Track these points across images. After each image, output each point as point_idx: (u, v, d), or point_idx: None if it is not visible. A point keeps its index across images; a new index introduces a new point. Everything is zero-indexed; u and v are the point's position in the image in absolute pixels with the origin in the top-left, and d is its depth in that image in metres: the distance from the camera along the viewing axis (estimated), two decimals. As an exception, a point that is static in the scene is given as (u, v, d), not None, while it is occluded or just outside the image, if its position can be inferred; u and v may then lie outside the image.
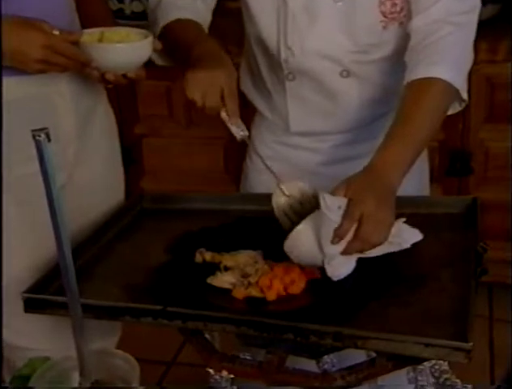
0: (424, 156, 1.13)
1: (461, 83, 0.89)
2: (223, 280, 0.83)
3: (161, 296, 0.81)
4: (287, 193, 0.88)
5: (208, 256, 0.90)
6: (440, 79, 0.86)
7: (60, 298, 0.75)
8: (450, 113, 0.94)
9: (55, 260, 0.82)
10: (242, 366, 0.76)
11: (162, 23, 0.98)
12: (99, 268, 0.90)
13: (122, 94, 1.78)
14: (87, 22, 0.98)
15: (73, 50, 0.85)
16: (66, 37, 0.85)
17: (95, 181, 1.03)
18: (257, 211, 1.03)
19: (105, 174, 1.06)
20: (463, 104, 0.93)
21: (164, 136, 1.87)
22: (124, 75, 0.89)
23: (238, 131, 0.90)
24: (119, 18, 1.74)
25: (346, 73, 0.98)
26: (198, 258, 0.90)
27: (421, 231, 0.93)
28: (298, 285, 0.82)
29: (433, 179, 1.84)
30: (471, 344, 0.65)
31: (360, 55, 0.97)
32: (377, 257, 0.86)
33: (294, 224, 0.82)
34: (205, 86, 0.85)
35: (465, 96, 0.91)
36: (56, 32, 0.84)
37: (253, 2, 0.99)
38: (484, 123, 1.72)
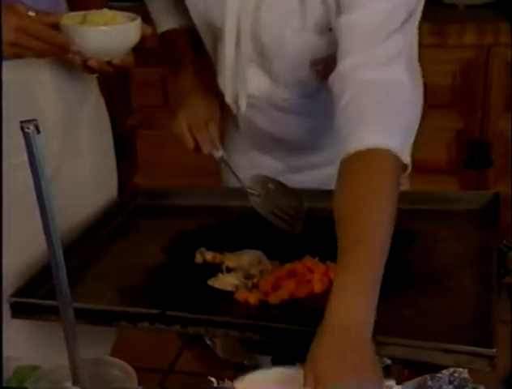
0: None
1: (407, 154, 0.76)
2: (225, 282, 0.83)
3: (159, 299, 0.81)
4: (256, 193, 0.94)
5: (209, 256, 0.90)
6: (378, 150, 0.72)
7: (50, 302, 0.75)
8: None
9: (44, 261, 0.82)
10: (245, 374, 0.76)
11: (158, 29, 1.05)
12: (91, 270, 0.91)
13: (113, 82, 1.78)
14: (76, 7, 0.97)
15: (48, 33, 0.82)
16: (42, 19, 0.82)
17: (84, 177, 1.03)
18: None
19: (96, 170, 1.05)
20: (407, 171, 0.79)
21: (159, 127, 1.87)
22: (109, 62, 0.87)
23: (216, 153, 1.00)
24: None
25: (288, 111, 0.99)
26: (199, 258, 0.90)
27: (438, 229, 0.94)
28: (305, 288, 0.82)
29: (450, 172, 1.86)
30: (494, 350, 0.65)
31: (300, 100, 0.97)
32: (390, 256, 0.87)
33: (284, 220, 0.89)
34: (191, 122, 0.98)
35: (407, 159, 0.76)
36: (31, 14, 0.82)
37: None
38: (505, 112, 1.72)
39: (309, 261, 0.86)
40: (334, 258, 0.85)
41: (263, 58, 0.93)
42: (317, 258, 0.86)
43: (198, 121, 0.99)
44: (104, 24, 0.86)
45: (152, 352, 1.57)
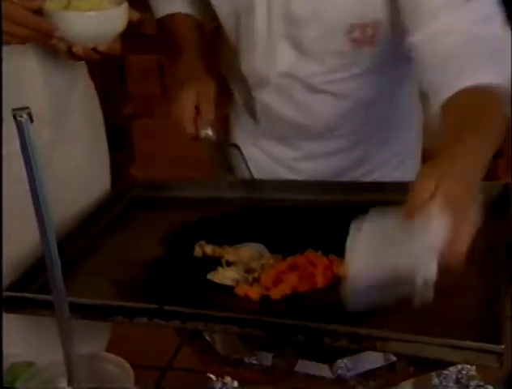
0: (418, 150, 1.15)
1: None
2: (225, 276, 0.84)
3: (157, 293, 0.81)
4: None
5: (209, 249, 0.90)
6: (485, 84, 0.78)
7: (44, 297, 0.75)
8: None
9: (37, 254, 0.82)
10: (247, 371, 0.76)
11: (155, 15, 1.07)
12: (87, 263, 0.91)
13: (108, 70, 1.78)
14: None
15: (32, 19, 0.82)
16: (25, 4, 0.82)
17: (77, 166, 1.03)
18: (261, 199, 1.03)
19: (88, 159, 1.05)
20: None
21: (156, 117, 1.87)
22: (95, 49, 0.86)
23: (203, 131, 0.98)
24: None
25: (315, 90, 1.00)
26: (198, 251, 0.90)
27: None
28: (307, 282, 0.82)
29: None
30: (503, 346, 0.65)
31: (329, 75, 0.98)
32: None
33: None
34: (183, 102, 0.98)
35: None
36: None
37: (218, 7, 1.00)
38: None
39: (311, 254, 0.86)
40: (337, 252, 0.86)
41: (294, 29, 0.93)
42: (319, 252, 0.86)
43: (201, 98, 0.99)
44: (90, 9, 0.85)
45: (150, 348, 1.57)
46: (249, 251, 0.88)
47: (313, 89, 1.00)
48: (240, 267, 0.85)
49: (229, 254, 0.88)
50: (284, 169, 1.11)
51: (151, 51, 1.63)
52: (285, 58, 0.97)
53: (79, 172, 1.04)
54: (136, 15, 0.89)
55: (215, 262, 0.86)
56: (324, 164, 1.08)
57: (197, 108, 0.99)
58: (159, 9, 1.08)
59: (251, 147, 1.12)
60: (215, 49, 1.11)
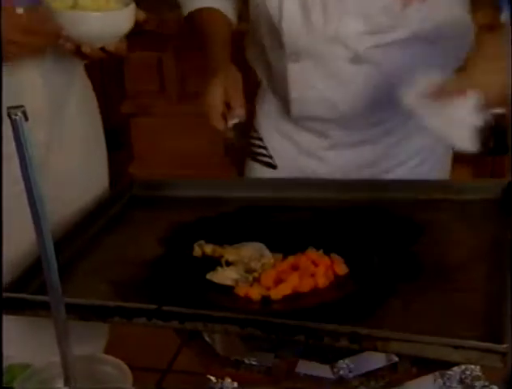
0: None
1: None
2: (224, 276, 0.84)
3: (156, 293, 0.81)
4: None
5: (208, 249, 0.90)
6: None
7: (41, 297, 0.75)
8: None
9: (34, 255, 0.82)
10: (248, 372, 0.77)
11: (184, 10, 1.09)
12: (84, 263, 0.91)
13: (106, 67, 1.78)
14: None
15: (39, 24, 0.83)
16: (32, 16, 0.82)
17: (73, 168, 1.03)
18: (261, 198, 1.03)
19: (86, 158, 1.05)
20: None
21: (155, 115, 1.88)
22: (102, 49, 0.87)
23: (231, 121, 0.98)
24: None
25: (356, 59, 1.00)
26: (197, 251, 0.91)
27: (450, 220, 0.94)
28: (308, 282, 0.82)
29: (460, 160, 1.86)
30: (506, 345, 0.65)
31: (373, 38, 0.98)
32: (398, 248, 0.87)
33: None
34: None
35: None
36: (20, 11, 0.82)
37: None
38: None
39: (313, 253, 0.86)
40: (339, 251, 0.86)
41: None
42: (321, 251, 0.86)
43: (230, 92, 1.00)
44: (97, 9, 0.86)
45: (150, 350, 1.58)
46: (249, 251, 0.88)
47: (356, 58, 0.99)
48: (240, 267, 0.85)
49: (229, 253, 0.88)
50: (309, 159, 1.11)
51: (150, 48, 1.63)
52: (332, 19, 0.97)
53: (77, 171, 1.04)
54: (142, 15, 0.90)
55: (214, 262, 0.87)
56: (351, 154, 1.08)
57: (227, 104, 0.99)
58: (187, 5, 1.09)
59: (276, 136, 1.12)
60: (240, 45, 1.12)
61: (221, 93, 0.99)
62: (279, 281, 0.82)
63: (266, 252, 0.88)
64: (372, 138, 1.08)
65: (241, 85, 1.00)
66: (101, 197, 1.07)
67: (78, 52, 0.86)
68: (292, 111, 1.07)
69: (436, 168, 1.12)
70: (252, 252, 0.88)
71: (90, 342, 0.98)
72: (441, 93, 0.86)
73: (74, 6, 0.86)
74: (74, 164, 1.03)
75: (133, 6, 0.87)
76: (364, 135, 1.07)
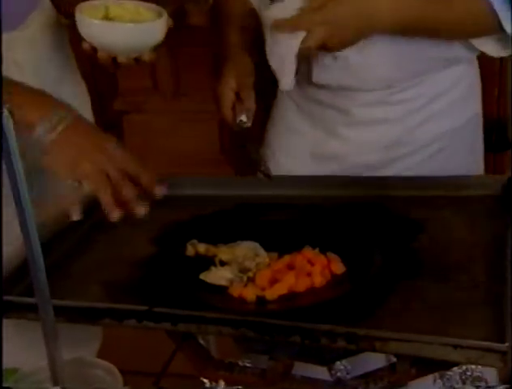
0: (477, 130, 1.15)
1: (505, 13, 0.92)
2: (218, 276, 0.84)
3: (147, 294, 0.81)
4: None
5: (201, 248, 0.90)
6: None
7: (28, 299, 0.75)
8: (493, 54, 0.99)
9: (21, 256, 0.82)
10: (242, 375, 0.77)
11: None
12: (74, 264, 0.91)
13: (98, 64, 1.77)
14: None
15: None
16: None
17: None
18: (256, 196, 1.03)
19: None
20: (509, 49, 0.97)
21: (148, 112, 1.87)
22: (136, 58, 0.90)
23: (238, 117, 0.99)
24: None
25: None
26: (190, 250, 0.90)
27: (449, 216, 0.94)
28: (304, 281, 0.82)
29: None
30: (507, 344, 0.65)
31: None
32: (397, 246, 0.87)
33: None
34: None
35: (509, 29, 0.94)
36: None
37: None
38: (525, 88, 1.71)
39: (309, 252, 0.86)
40: (335, 250, 0.86)
41: None
42: (317, 249, 0.86)
43: (241, 82, 1.00)
44: (130, 19, 0.87)
45: (142, 353, 1.57)
46: (243, 250, 0.88)
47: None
48: (234, 267, 0.85)
49: (223, 252, 0.88)
50: (329, 138, 1.11)
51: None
52: None
53: None
54: (171, 23, 0.91)
55: (208, 262, 0.87)
56: (371, 134, 1.08)
57: (237, 94, 1.00)
58: None
59: (297, 117, 1.13)
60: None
61: (233, 82, 0.99)
62: (274, 281, 0.82)
63: (261, 251, 0.88)
64: (394, 118, 1.07)
65: (253, 76, 1.00)
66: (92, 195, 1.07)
67: (112, 61, 0.88)
68: (314, 77, 1.06)
69: (460, 156, 1.12)
70: (246, 251, 0.88)
71: (83, 346, 0.98)
72: (280, 25, 0.90)
73: (106, 16, 0.87)
74: None
75: (165, 16, 0.89)
76: (386, 114, 1.07)
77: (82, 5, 0.88)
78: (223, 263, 0.87)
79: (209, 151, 1.85)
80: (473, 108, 1.14)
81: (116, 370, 0.66)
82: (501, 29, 0.96)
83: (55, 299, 0.64)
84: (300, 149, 1.14)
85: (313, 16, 0.91)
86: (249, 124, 1.00)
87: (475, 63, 1.14)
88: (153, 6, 0.90)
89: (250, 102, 0.99)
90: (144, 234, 0.97)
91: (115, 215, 0.82)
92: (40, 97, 0.82)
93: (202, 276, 0.84)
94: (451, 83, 1.09)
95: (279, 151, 1.17)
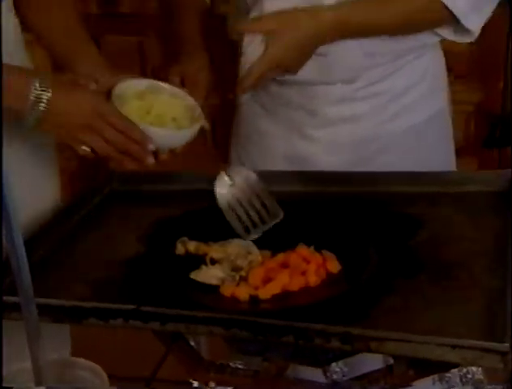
0: (447, 122, 1.16)
1: (462, 7, 0.95)
2: (209, 275, 0.84)
3: (135, 293, 0.81)
4: (229, 182, 0.96)
5: (192, 246, 0.91)
6: None
7: (11, 298, 0.75)
8: (452, 38, 1.02)
9: (4, 253, 0.83)
10: (234, 376, 0.77)
11: None
12: (59, 261, 0.91)
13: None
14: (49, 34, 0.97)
15: (128, 124, 0.85)
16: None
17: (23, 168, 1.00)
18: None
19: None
20: (473, 36, 1.00)
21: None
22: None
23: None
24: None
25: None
26: (180, 249, 0.91)
27: (450, 213, 0.95)
28: (299, 280, 0.82)
29: (467, 151, 1.87)
30: (507, 344, 0.66)
31: None
32: (394, 243, 0.88)
33: (239, 216, 0.91)
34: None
35: (471, 25, 0.98)
36: (93, 86, 0.86)
37: None
38: (530, 82, 1.72)
39: (303, 250, 0.87)
40: (331, 247, 0.87)
41: None
42: (312, 247, 0.87)
43: (194, 79, 1.01)
44: (172, 117, 0.93)
45: (131, 358, 1.58)
46: (235, 248, 0.88)
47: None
48: (225, 265, 0.86)
49: (214, 251, 0.89)
50: (300, 139, 1.13)
51: (129, 32, 1.62)
52: None
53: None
54: (208, 126, 0.99)
55: (198, 260, 0.87)
56: (340, 132, 1.10)
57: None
58: None
59: (265, 120, 1.14)
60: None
61: (178, 84, 0.99)
62: (267, 280, 0.83)
63: (254, 249, 0.88)
64: (361, 115, 1.09)
65: (206, 80, 1.01)
66: (81, 190, 1.07)
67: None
68: (277, 93, 1.08)
69: (432, 150, 1.14)
70: (238, 249, 0.88)
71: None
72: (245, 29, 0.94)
73: (149, 111, 0.91)
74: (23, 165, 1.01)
75: (203, 121, 0.94)
76: (353, 111, 1.08)
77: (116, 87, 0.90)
78: (214, 262, 0.87)
79: (199, 145, 1.84)
80: (441, 100, 1.16)
81: (102, 371, 0.67)
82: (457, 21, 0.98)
83: (39, 298, 0.64)
84: (272, 151, 1.16)
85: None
86: (208, 126, 1.00)
87: (440, 53, 1.16)
88: (189, 99, 0.96)
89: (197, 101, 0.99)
90: (132, 231, 0.97)
91: (130, 164, 0.88)
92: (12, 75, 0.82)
93: (192, 275, 0.84)
94: (418, 77, 1.11)
95: (252, 152, 1.19)
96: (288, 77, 1.05)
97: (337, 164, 1.10)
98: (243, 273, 0.84)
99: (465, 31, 1.01)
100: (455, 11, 0.96)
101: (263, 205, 0.93)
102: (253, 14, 1.02)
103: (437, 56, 1.15)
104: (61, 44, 0.98)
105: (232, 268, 0.85)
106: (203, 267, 0.86)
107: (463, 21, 0.98)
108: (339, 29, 0.95)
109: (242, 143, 1.22)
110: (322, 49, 1.01)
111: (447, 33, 1.03)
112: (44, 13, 0.98)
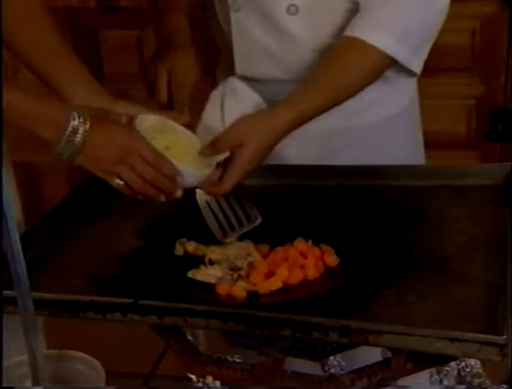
0: (416, 115, 1.18)
1: (406, 55, 0.96)
2: (207, 273, 0.84)
3: (133, 288, 0.82)
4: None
5: (191, 247, 0.90)
6: (377, 49, 0.94)
7: (8, 292, 0.76)
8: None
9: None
10: (231, 370, 0.78)
11: None
12: (58, 256, 0.92)
13: (81, 47, 1.78)
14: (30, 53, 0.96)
15: (159, 157, 0.86)
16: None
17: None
18: (247, 186, 1.04)
19: None
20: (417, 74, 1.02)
21: (136, 99, 1.87)
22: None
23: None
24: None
25: (294, 9, 1.01)
26: (179, 249, 0.90)
27: (448, 207, 0.96)
28: (297, 274, 0.83)
29: (469, 146, 1.87)
30: (504, 337, 0.66)
31: None
32: (393, 237, 0.88)
33: (217, 218, 0.91)
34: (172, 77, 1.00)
35: (415, 68, 0.99)
36: (124, 120, 0.88)
37: None
38: (532, 75, 1.72)
39: (301, 244, 0.87)
40: (329, 241, 0.87)
41: None
42: (310, 241, 0.87)
43: (181, 80, 1.01)
44: (187, 154, 0.91)
45: (130, 354, 1.59)
46: (235, 249, 0.88)
47: (287, 2, 1.01)
48: (224, 266, 0.85)
49: (213, 252, 0.88)
50: None
51: (128, 26, 1.63)
52: None
53: None
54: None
55: (197, 261, 0.87)
56: (306, 125, 1.05)
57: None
58: None
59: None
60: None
61: (165, 79, 0.99)
62: (268, 274, 0.83)
63: (253, 251, 0.88)
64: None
65: (193, 80, 1.00)
66: (79, 186, 1.07)
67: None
68: (237, 69, 1.08)
69: (400, 144, 1.14)
70: (238, 251, 0.88)
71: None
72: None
73: (168, 147, 0.90)
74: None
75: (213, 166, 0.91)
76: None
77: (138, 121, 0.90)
78: (213, 263, 0.87)
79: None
80: (409, 93, 1.16)
81: (98, 364, 0.67)
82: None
83: (36, 292, 0.65)
84: None
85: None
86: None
87: None
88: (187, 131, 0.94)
89: (182, 98, 0.99)
90: (130, 226, 0.98)
91: (161, 198, 0.89)
92: (48, 108, 0.83)
93: (190, 274, 0.84)
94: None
95: None
96: (252, 74, 1.07)
97: (303, 157, 1.11)
98: (242, 273, 0.84)
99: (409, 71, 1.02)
100: (403, 62, 0.97)
101: (242, 208, 0.93)
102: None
103: None
104: (45, 67, 0.98)
105: (230, 268, 0.85)
106: (202, 267, 0.85)
107: (409, 67, 0.99)
108: (295, 125, 0.94)
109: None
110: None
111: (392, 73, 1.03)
112: (22, 31, 0.97)
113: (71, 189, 1.12)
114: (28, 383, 0.66)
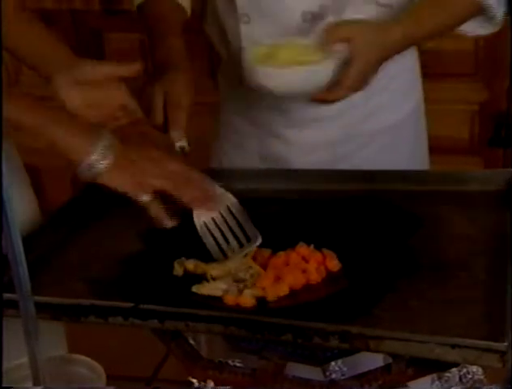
0: (421, 121, 1.19)
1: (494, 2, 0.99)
2: (212, 287, 0.82)
3: (134, 292, 0.82)
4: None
5: (190, 265, 0.87)
6: None
7: (9, 295, 0.76)
8: (480, 32, 1.04)
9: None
10: (232, 375, 0.78)
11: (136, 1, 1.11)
12: (60, 259, 0.92)
13: (85, 49, 1.78)
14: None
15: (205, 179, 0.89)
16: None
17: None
18: (246, 190, 1.04)
19: None
20: (497, 25, 1.03)
21: (138, 102, 1.88)
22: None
23: (177, 144, 0.98)
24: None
25: (310, 16, 1.01)
26: (178, 269, 0.87)
27: (450, 212, 0.96)
28: (299, 278, 0.83)
29: (472, 151, 1.87)
30: (505, 343, 0.66)
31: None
32: (395, 242, 0.89)
33: (217, 242, 0.89)
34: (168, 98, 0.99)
35: (496, 13, 1.01)
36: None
37: None
38: (536, 80, 1.72)
39: (303, 249, 0.87)
40: (331, 246, 0.88)
41: None
42: (312, 246, 0.88)
43: (177, 101, 0.99)
44: (296, 58, 0.90)
45: (132, 358, 1.59)
46: (235, 263, 0.86)
47: (302, 8, 1.02)
48: (227, 279, 0.84)
49: (213, 269, 0.86)
50: (271, 138, 1.14)
51: (131, 29, 1.63)
52: None
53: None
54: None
55: (198, 278, 0.85)
56: (310, 133, 1.11)
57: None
58: None
59: (240, 120, 1.15)
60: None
61: (161, 104, 0.98)
62: (276, 280, 0.82)
63: (253, 264, 0.86)
64: (331, 116, 1.09)
65: (189, 102, 0.99)
66: (81, 188, 1.08)
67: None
68: (247, 100, 1.09)
69: (405, 149, 1.15)
70: (238, 264, 0.86)
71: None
72: None
73: (270, 56, 0.89)
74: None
75: (332, 60, 0.91)
76: (322, 112, 1.08)
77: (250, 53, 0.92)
78: (214, 279, 0.86)
79: (202, 143, 1.85)
80: (415, 99, 1.17)
81: (99, 367, 0.67)
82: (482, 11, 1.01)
83: (38, 295, 0.65)
84: (249, 151, 1.17)
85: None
86: (188, 148, 0.99)
87: (415, 53, 1.17)
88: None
89: (179, 124, 0.98)
90: (131, 229, 0.98)
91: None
92: (78, 131, 0.85)
93: (194, 289, 0.83)
94: (392, 77, 1.11)
95: (230, 151, 1.21)
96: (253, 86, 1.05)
97: (309, 164, 1.11)
98: (248, 284, 0.82)
99: (489, 23, 1.04)
100: (492, 8, 1.00)
101: (241, 228, 0.91)
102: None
103: (411, 55, 1.15)
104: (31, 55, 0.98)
105: (234, 280, 0.84)
106: (205, 282, 0.84)
107: (495, 14, 1.01)
108: (403, 46, 0.99)
109: (221, 142, 1.23)
110: None
111: (472, 27, 1.05)
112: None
113: (75, 192, 1.13)
114: (28, 385, 0.66)
